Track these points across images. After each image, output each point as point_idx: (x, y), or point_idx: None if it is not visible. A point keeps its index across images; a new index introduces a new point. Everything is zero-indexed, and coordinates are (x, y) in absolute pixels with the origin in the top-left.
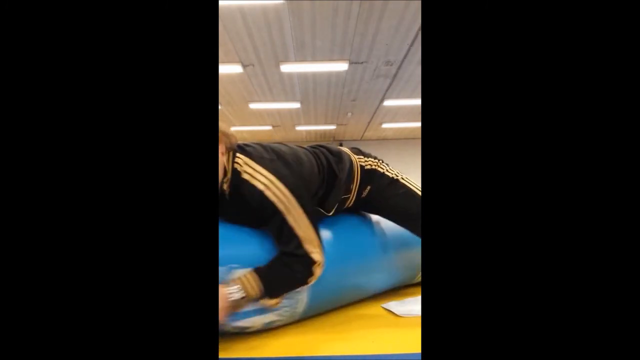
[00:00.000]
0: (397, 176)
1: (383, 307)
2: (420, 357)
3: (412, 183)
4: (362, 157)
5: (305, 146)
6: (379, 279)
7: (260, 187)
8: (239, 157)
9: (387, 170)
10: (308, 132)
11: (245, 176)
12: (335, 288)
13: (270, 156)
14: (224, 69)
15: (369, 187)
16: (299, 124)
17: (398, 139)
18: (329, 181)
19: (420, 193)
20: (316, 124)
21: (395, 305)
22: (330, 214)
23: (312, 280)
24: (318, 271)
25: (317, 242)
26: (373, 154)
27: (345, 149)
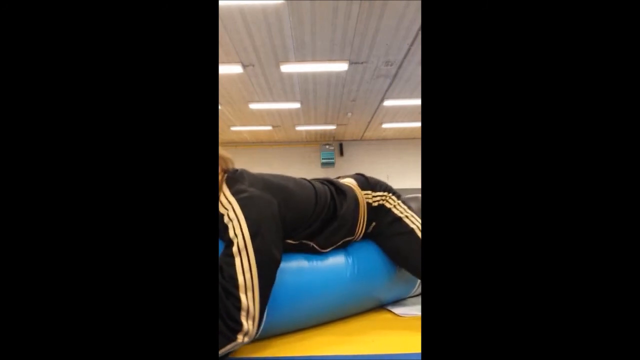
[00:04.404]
0: (402, 214)
1: (383, 307)
2: (420, 357)
3: (416, 222)
4: (369, 192)
5: (310, 179)
6: (396, 292)
7: (225, 220)
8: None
9: (394, 205)
10: (308, 132)
11: (220, 204)
12: (360, 303)
13: (249, 188)
14: (224, 69)
15: (374, 223)
16: (299, 124)
17: (398, 139)
18: (327, 216)
19: (420, 235)
20: (316, 124)
21: (395, 305)
22: (326, 251)
23: (238, 339)
24: (251, 328)
25: (257, 314)
26: (373, 153)
27: (352, 184)
